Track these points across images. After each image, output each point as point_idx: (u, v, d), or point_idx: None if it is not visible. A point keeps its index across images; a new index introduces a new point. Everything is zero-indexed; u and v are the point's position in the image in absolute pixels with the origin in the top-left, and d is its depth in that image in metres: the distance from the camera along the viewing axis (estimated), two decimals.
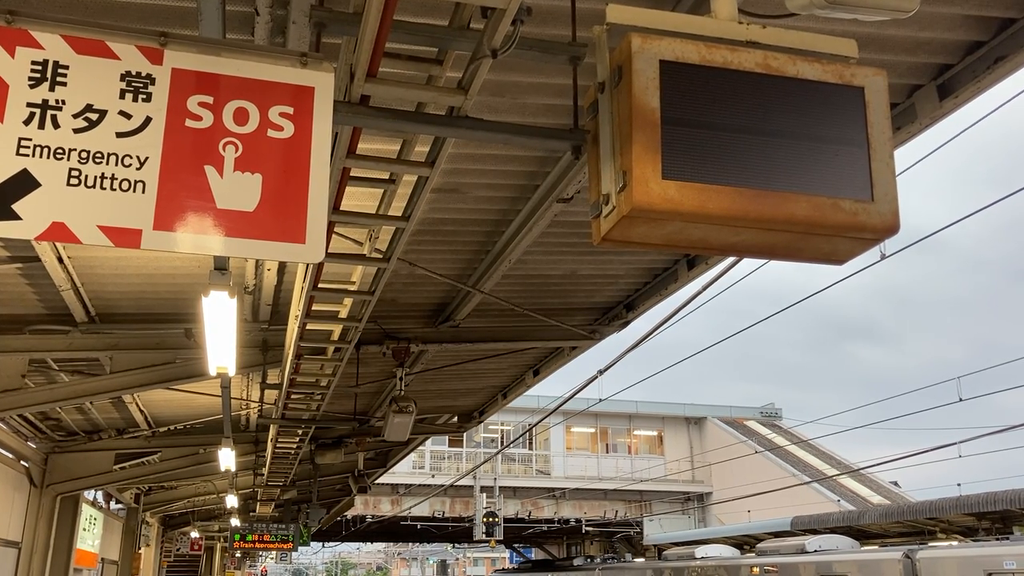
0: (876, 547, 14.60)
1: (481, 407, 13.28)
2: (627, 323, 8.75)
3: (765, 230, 2.58)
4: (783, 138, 2.58)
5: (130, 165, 2.48)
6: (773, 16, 3.06)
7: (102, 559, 16.73)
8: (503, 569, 37.00)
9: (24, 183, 2.39)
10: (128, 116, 2.52)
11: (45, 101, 2.47)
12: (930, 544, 13.18)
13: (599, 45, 2.69)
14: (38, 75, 2.49)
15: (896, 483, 30.41)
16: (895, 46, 4.57)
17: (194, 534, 27.36)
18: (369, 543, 65.90)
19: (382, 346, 8.49)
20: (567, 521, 33.45)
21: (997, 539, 12.00)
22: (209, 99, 2.61)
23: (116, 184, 2.46)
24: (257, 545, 20.07)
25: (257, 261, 6.72)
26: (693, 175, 2.47)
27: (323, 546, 66.42)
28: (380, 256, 5.63)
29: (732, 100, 2.56)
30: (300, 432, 10.79)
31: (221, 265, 4.76)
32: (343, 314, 6.66)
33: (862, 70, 2.70)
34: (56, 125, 2.45)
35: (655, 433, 36.74)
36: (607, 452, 35.98)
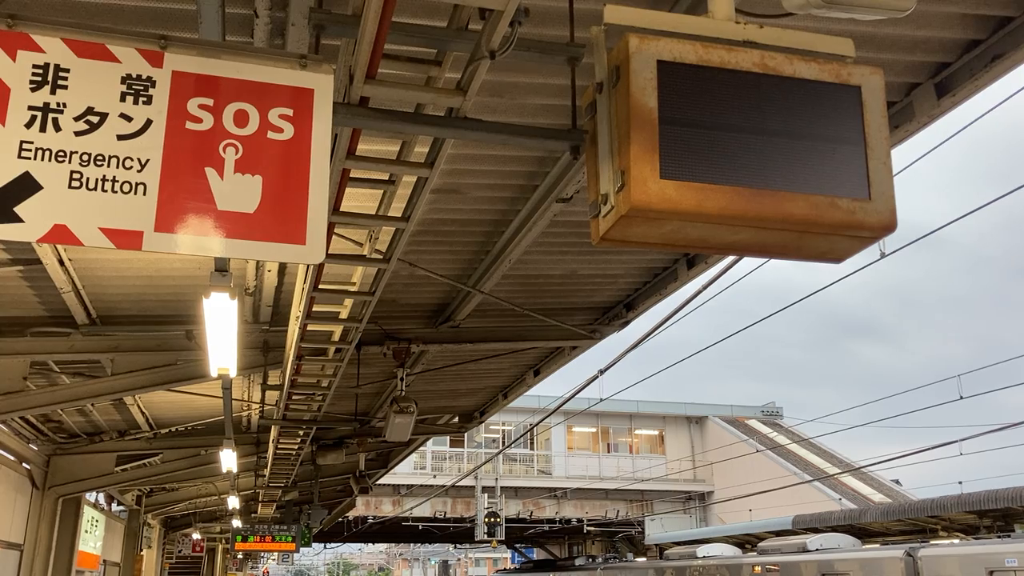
0: (878, 545, 14.61)
1: (482, 407, 13.30)
2: (627, 323, 8.76)
3: (763, 229, 2.59)
4: (780, 137, 2.59)
5: (131, 167, 2.50)
6: (770, 16, 3.07)
7: (104, 561, 16.74)
8: (505, 569, 37.01)
9: (26, 186, 2.40)
10: (129, 119, 2.54)
11: (46, 104, 2.48)
12: (932, 542, 13.19)
13: (597, 45, 2.70)
14: (39, 78, 2.50)
15: (897, 481, 30.41)
16: (892, 45, 4.59)
17: (196, 536, 27.38)
18: (371, 544, 65.95)
19: (383, 347, 8.51)
20: (568, 521, 33.45)
21: (999, 537, 12.01)
22: (209, 101, 2.62)
23: (117, 186, 2.47)
24: (259, 546, 20.08)
25: (257, 262, 6.73)
26: (691, 174, 2.49)
27: (325, 547, 66.44)
28: (380, 257, 5.64)
29: (729, 100, 2.57)
30: (301, 433, 10.80)
31: (222, 267, 4.77)
32: (344, 315, 6.67)
33: (859, 69, 2.71)
34: (57, 128, 2.47)
35: (656, 432, 36.74)
36: (608, 452, 35.99)
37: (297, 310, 6.52)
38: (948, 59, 4.71)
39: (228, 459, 12.19)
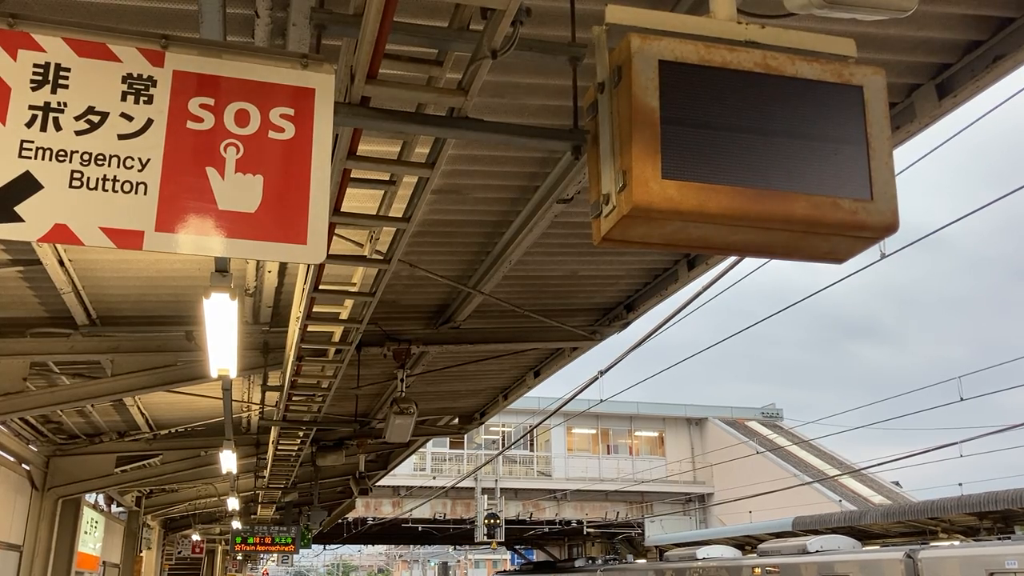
0: (878, 547, 14.60)
1: (482, 408, 13.29)
2: (628, 324, 8.75)
3: (765, 229, 2.58)
4: (782, 137, 2.59)
5: (132, 167, 2.49)
6: (772, 16, 3.06)
7: (104, 562, 16.72)
8: (505, 571, 36.98)
9: (26, 185, 2.40)
10: (130, 118, 2.53)
11: (47, 103, 2.47)
12: (932, 544, 13.18)
13: (598, 45, 2.70)
14: (40, 78, 2.49)
15: (897, 483, 30.41)
16: (894, 45, 4.58)
17: (195, 537, 27.35)
18: (370, 545, 65.91)
19: (383, 348, 8.50)
20: (568, 522, 33.44)
21: (999, 538, 12.01)
22: (210, 101, 2.62)
23: (118, 186, 2.46)
24: (258, 548, 20.05)
25: (258, 263, 6.73)
26: (693, 175, 2.48)
27: (324, 548, 66.33)
28: (381, 257, 5.64)
29: (731, 100, 2.57)
30: (301, 434, 10.80)
31: (222, 267, 4.77)
32: (344, 316, 6.67)
33: (861, 69, 2.71)
34: (58, 127, 2.46)
35: (656, 434, 36.73)
36: (608, 453, 35.97)
37: (297, 311, 6.51)
38: (949, 60, 4.71)
39: (228, 460, 12.18)
